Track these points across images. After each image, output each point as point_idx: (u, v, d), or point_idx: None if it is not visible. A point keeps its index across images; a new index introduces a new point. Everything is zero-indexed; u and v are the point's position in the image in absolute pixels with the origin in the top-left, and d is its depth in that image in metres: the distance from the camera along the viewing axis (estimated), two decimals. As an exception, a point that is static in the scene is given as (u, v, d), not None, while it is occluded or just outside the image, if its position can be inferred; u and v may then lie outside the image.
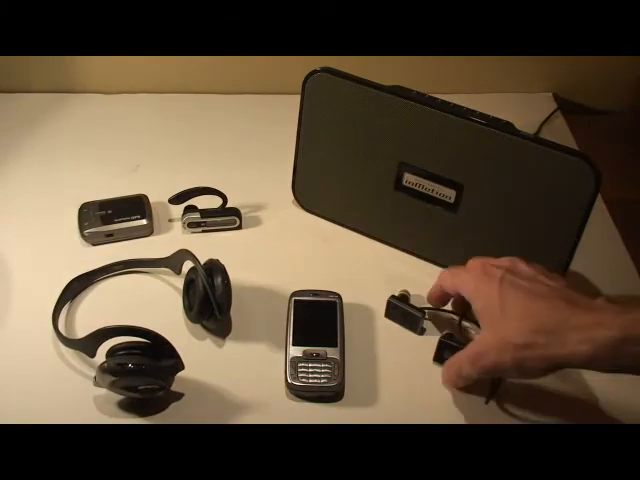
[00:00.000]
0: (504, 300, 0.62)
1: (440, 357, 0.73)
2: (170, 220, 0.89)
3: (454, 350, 0.69)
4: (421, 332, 0.76)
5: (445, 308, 0.76)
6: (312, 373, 0.70)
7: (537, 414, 0.70)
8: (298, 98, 0.83)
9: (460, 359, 0.66)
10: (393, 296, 0.77)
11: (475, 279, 0.65)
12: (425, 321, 0.76)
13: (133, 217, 0.86)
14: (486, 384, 0.70)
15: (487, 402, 0.70)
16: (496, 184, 0.77)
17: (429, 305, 0.76)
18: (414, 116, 0.77)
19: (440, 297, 0.73)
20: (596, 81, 1.09)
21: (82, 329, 0.74)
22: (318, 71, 0.80)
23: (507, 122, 0.76)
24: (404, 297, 0.77)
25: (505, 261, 0.66)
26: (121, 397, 0.69)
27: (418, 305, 0.76)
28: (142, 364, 0.65)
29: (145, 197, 0.89)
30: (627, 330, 0.56)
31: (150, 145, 1.00)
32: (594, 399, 0.71)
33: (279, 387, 0.71)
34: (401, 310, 0.76)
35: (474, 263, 0.67)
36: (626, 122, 1.09)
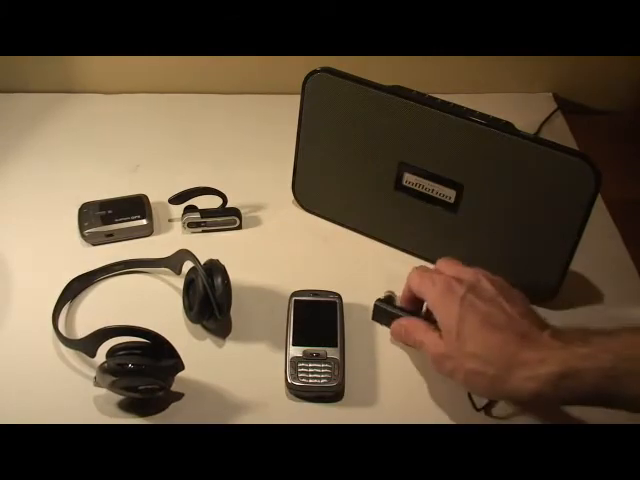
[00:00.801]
0: (462, 323, 0.63)
1: (378, 319, 0.75)
2: (170, 220, 0.89)
3: (391, 316, 0.72)
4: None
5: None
6: (312, 373, 0.70)
7: (537, 414, 0.70)
8: (298, 98, 0.83)
9: (421, 343, 0.67)
10: (379, 299, 0.76)
11: (438, 293, 0.66)
12: None
13: (133, 217, 0.86)
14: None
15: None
16: (496, 184, 0.77)
17: None
18: (414, 116, 0.77)
19: (409, 299, 0.72)
20: (596, 81, 1.09)
21: (82, 329, 0.74)
22: (318, 71, 0.80)
23: (507, 122, 0.76)
24: (390, 298, 0.77)
25: (470, 275, 0.66)
26: (121, 397, 0.69)
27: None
28: (142, 364, 0.65)
29: (145, 197, 0.89)
30: (565, 364, 0.58)
31: (150, 145, 1.00)
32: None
33: (279, 387, 0.71)
34: (387, 312, 0.75)
35: (440, 277, 0.67)
36: (626, 122, 1.09)
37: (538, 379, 0.59)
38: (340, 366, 0.71)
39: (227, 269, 0.75)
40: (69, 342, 0.73)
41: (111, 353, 0.66)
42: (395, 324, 0.72)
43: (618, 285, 0.82)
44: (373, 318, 0.77)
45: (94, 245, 0.85)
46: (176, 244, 0.80)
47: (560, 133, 1.02)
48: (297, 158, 0.87)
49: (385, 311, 0.75)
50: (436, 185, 0.80)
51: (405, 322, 0.71)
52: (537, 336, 0.61)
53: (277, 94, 1.07)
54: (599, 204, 0.87)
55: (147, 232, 0.87)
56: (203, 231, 0.87)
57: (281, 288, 0.80)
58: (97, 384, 0.68)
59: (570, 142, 1.00)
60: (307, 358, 0.71)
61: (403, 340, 0.71)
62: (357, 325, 0.77)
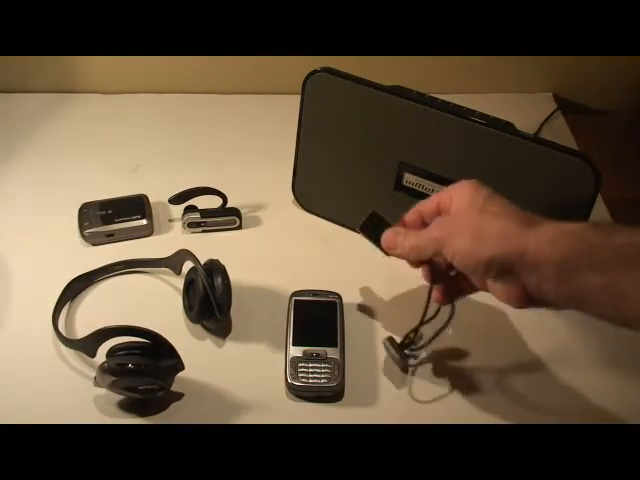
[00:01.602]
0: (485, 207, 0.62)
1: (368, 231, 0.71)
2: (170, 220, 0.89)
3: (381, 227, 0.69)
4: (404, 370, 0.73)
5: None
6: (312, 373, 0.70)
7: (538, 414, 0.70)
8: (298, 98, 0.83)
9: (422, 238, 0.65)
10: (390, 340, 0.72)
11: (463, 188, 0.65)
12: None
13: (133, 217, 0.86)
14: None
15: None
16: (496, 184, 0.77)
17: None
18: (414, 116, 0.77)
19: (416, 221, 0.69)
20: (596, 81, 1.09)
21: (82, 329, 0.74)
22: (318, 71, 0.80)
23: (507, 122, 0.76)
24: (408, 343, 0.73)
25: None
26: (121, 397, 0.69)
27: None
28: (142, 364, 0.65)
29: (145, 197, 0.89)
30: (594, 224, 0.58)
31: (150, 145, 1.00)
32: (596, 398, 0.72)
33: (279, 387, 0.71)
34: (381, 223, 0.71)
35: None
36: (626, 122, 1.09)
37: (560, 228, 0.57)
38: (340, 366, 0.71)
39: (227, 269, 0.75)
40: (69, 342, 0.73)
41: (111, 353, 0.66)
42: (390, 233, 0.68)
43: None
44: (361, 228, 0.72)
45: (94, 245, 0.85)
46: (176, 244, 0.80)
47: (560, 133, 1.02)
48: (297, 158, 0.87)
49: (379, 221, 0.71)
50: (436, 185, 0.80)
51: (400, 237, 0.67)
52: None
53: (277, 94, 1.07)
54: (599, 204, 0.87)
55: (147, 232, 0.87)
56: (203, 231, 0.87)
57: (281, 288, 0.80)
58: (97, 384, 0.68)
59: (570, 142, 1.00)
60: (307, 358, 0.71)
61: (401, 245, 0.67)
62: (357, 325, 0.77)
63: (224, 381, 0.71)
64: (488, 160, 0.76)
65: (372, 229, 0.71)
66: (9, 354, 0.73)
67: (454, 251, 0.61)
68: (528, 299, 0.59)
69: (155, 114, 1.05)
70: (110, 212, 0.86)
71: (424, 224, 0.68)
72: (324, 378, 0.70)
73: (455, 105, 0.77)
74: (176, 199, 0.85)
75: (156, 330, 0.67)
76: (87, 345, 0.70)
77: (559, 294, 0.57)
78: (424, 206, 0.68)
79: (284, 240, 0.87)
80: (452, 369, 0.73)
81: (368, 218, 0.71)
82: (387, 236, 0.68)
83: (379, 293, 0.79)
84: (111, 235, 0.85)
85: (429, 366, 0.73)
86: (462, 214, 0.63)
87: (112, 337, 0.68)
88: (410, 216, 0.69)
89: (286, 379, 0.70)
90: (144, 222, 0.86)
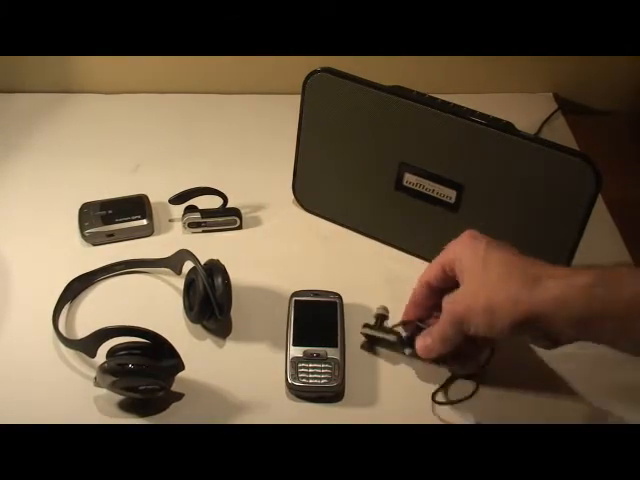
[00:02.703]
0: (488, 255, 0.64)
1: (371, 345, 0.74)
2: (170, 220, 0.89)
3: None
4: (411, 353, 0.73)
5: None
6: (312, 373, 0.70)
7: (539, 413, 0.70)
8: (298, 98, 0.83)
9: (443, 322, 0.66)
10: (365, 325, 0.74)
11: (460, 241, 0.67)
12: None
13: (133, 217, 0.86)
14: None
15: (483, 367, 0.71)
16: (497, 184, 0.77)
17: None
18: (414, 116, 0.77)
19: (422, 295, 0.71)
20: (597, 81, 1.09)
21: (82, 329, 0.74)
22: (318, 71, 0.80)
23: (507, 122, 0.76)
24: (381, 317, 0.75)
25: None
26: (121, 397, 0.69)
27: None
28: (142, 364, 0.65)
29: (145, 197, 0.89)
30: (602, 276, 0.59)
31: (150, 145, 1.00)
32: (598, 399, 0.72)
33: (279, 387, 0.71)
34: (377, 339, 0.74)
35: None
36: (627, 122, 1.09)
37: (567, 285, 0.59)
38: (340, 366, 0.71)
39: (227, 269, 0.75)
40: (69, 342, 0.73)
41: (111, 353, 0.67)
42: (420, 340, 0.69)
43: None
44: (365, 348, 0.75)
45: (94, 245, 0.85)
46: (176, 244, 0.80)
47: (560, 133, 1.02)
48: (297, 158, 0.87)
49: (373, 338, 0.74)
50: (437, 185, 0.80)
51: (426, 339, 0.69)
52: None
53: (277, 94, 1.07)
54: (599, 204, 0.87)
55: (147, 232, 0.87)
56: (203, 231, 0.87)
57: (281, 288, 0.80)
58: (97, 384, 0.68)
59: (570, 142, 1.00)
60: (307, 358, 0.71)
61: (440, 340, 0.67)
62: (357, 325, 0.77)
63: (224, 381, 0.71)
64: (488, 160, 0.76)
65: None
66: (9, 354, 0.73)
67: (475, 328, 0.63)
68: (555, 343, 0.63)
69: (155, 114, 1.05)
70: (110, 212, 0.86)
71: (435, 294, 0.69)
72: (324, 378, 0.70)
73: (455, 105, 0.77)
74: (176, 199, 0.85)
75: (156, 330, 0.67)
76: (87, 345, 0.70)
77: (582, 338, 0.61)
78: (428, 276, 0.69)
79: (284, 240, 0.87)
80: (452, 369, 0.73)
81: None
82: (419, 345, 0.69)
83: (379, 293, 0.79)
84: (111, 235, 0.85)
85: (429, 366, 0.73)
86: (468, 278, 0.64)
87: (112, 337, 0.68)
88: (419, 292, 0.71)
89: (286, 379, 0.70)
90: (144, 222, 0.86)
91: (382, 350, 0.75)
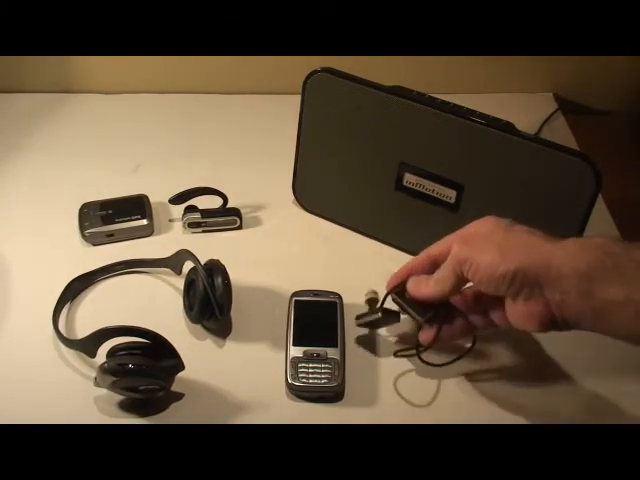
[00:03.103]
0: (510, 227, 0.63)
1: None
2: (170, 220, 0.89)
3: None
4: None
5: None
6: (312, 373, 0.70)
7: (538, 414, 0.70)
8: (298, 98, 0.83)
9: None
10: (358, 316, 0.75)
11: (485, 219, 0.65)
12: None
13: (134, 217, 0.86)
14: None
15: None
16: (497, 184, 0.77)
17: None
18: (414, 116, 0.77)
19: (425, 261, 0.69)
20: (597, 81, 1.09)
21: (82, 329, 0.74)
22: (318, 71, 0.80)
23: (507, 122, 0.76)
24: (372, 301, 0.75)
25: None
26: (122, 397, 0.69)
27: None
28: (142, 364, 0.65)
29: (145, 197, 0.89)
30: (619, 241, 0.58)
31: (150, 145, 1.00)
32: (600, 400, 0.72)
33: (279, 387, 0.71)
34: (371, 322, 0.74)
35: None
36: (627, 122, 1.09)
37: (583, 241, 0.58)
38: (340, 366, 0.71)
39: (227, 269, 0.75)
40: (69, 342, 0.73)
41: (111, 353, 0.67)
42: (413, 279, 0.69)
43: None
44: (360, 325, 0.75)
45: (94, 245, 0.85)
46: (176, 244, 0.80)
47: (560, 133, 1.02)
48: (297, 158, 0.87)
49: (367, 322, 0.74)
50: (437, 185, 0.80)
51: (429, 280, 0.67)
52: None
53: (277, 94, 1.07)
54: (599, 204, 0.87)
55: (147, 232, 0.87)
56: (203, 231, 0.87)
57: (281, 288, 0.80)
58: (97, 384, 0.68)
59: (571, 142, 1.00)
60: (307, 358, 0.71)
61: (429, 285, 0.66)
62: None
63: (224, 381, 0.71)
64: (488, 160, 0.76)
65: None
66: (9, 354, 0.73)
67: (477, 265, 0.61)
68: (550, 319, 0.59)
69: (155, 114, 1.05)
70: (110, 212, 0.86)
71: (434, 267, 0.67)
72: (324, 378, 0.70)
73: (455, 105, 0.77)
74: (176, 199, 0.85)
75: (156, 330, 0.67)
76: (87, 345, 0.70)
77: (582, 309, 0.57)
78: (434, 249, 0.68)
79: (284, 240, 0.87)
80: (452, 369, 0.73)
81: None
82: (412, 281, 0.69)
83: (379, 293, 0.78)
84: (111, 235, 0.85)
85: (429, 366, 0.73)
86: (487, 234, 0.63)
87: (112, 337, 0.68)
88: (418, 259, 0.70)
89: (286, 379, 0.70)
90: (144, 222, 0.86)
91: (382, 350, 0.75)
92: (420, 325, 0.70)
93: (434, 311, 0.68)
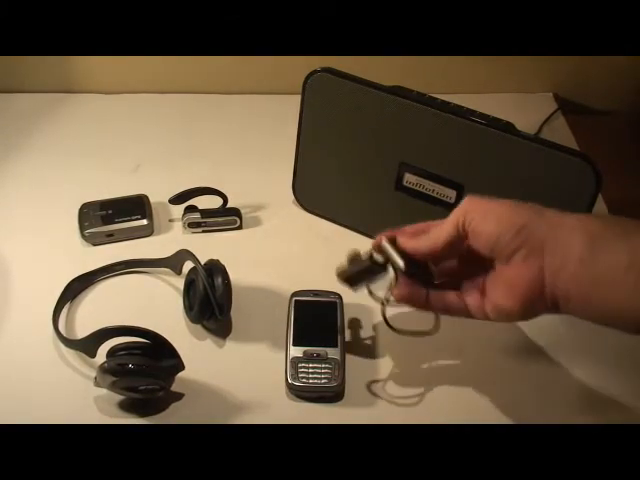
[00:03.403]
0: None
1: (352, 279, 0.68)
2: (170, 220, 0.89)
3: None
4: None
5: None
6: (312, 373, 0.70)
7: (538, 414, 0.70)
8: (298, 98, 0.83)
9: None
10: (340, 270, 0.70)
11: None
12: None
13: (133, 217, 0.86)
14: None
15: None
16: (496, 184, 0.77)
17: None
18: (414, 116, 0.77)
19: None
20: (597, 81, 1.09)
21: (82, 329, 0.74)
22: (318, 71, 0.80)
23: (507, 122, 0.76)
24: (354, 256, 0.69)
25: None
26: (122, 397, 0.69)
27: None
28: (142, 364, 0.65)
29: (145, 197, 0.89)
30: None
31: (150, 145, 1.00)
32: (600, 399, 0.72)
33: (279, 387, 0.71)
34: (355, 273, 0.69)
35: None
36: (627, 122, 1.09)
37: (590, 215, 0.59)
38: (340, 366, 0.71)
39: (227, 269, 0.75)
40: (69, 342, 0.73)
41: (111, 353, 0.67)
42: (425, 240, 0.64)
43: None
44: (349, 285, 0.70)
45: (94, 245, 0.85)
46: (176, 244, 0.80)
47: (560, 133, 1.02)
48: (297, 158, 0.87)
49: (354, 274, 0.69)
50: (437, 185, 0.80)
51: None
52: None
53: (277, 94, 1.07)
54: (599, 204, 0.87)
55: (147, 232, 0.87)
56: (203, 231, 0.87)
57: (281, 288, 0.80)
58: (97, 384, 0.68)
59: (571, 142, 1.00)
60: (307, 358, 0.71)
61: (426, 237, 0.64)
62: (357, 325, 0.77)
63: (224, 381, 0.71)
64: (488, 160, 0.76)
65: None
66: (9, 354, 0.73)
67: (485, 214, 0.59)
68: (535, 292, 0.57)
69: (155, 114, 1.05)
70: (110, 212, 0.86)
71: None
72: (324, 378, 0.70)
73: (455, 105, 0.77)
74: (176, 199, 0.85)
75: (156, 330, 0.67)
76: (87, 345, 0.70)
77: (580, 277, 0.55)
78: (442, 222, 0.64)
79: (284, 240, 0.87)
80: (452, 369, 0.73)
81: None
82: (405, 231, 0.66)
83: (379, 293, 0.78)
84: (111, 235, 0.85)
85: (429, 366, 0.73)
86: (501, 200, 0.61)
87: (112, 337, 0.68)
88: (421, 224, 0.67)
89: (286, 379, 0.70)
90: (144, 222, 0.86)
91: (382, 350, 0.75)
92: (396, 279, 0.65)
93: (418, 268, 0.65)
